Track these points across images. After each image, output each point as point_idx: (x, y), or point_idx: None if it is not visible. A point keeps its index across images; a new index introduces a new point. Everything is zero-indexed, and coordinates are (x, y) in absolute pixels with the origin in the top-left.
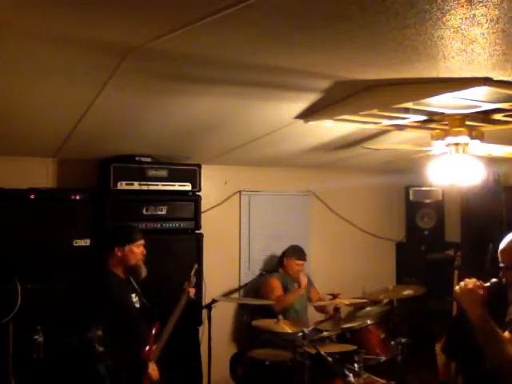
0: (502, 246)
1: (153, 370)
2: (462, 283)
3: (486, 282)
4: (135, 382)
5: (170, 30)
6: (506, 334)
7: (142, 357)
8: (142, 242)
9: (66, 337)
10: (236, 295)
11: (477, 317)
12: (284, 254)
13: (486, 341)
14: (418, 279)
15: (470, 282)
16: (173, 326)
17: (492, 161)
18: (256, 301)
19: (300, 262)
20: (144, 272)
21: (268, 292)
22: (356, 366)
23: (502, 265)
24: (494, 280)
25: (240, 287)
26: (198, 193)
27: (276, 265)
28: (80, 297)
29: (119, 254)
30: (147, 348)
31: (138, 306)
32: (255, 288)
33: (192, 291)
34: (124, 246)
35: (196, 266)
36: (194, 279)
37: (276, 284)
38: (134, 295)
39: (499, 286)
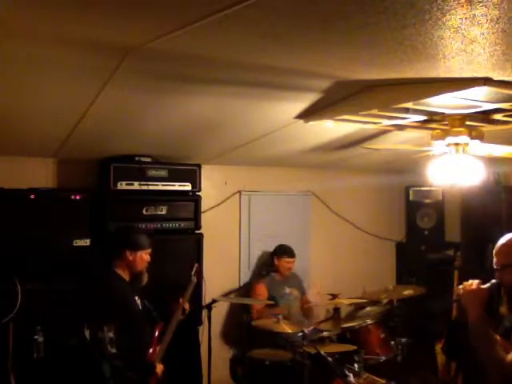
0: (496, 248)
1: (160, 369)
2: (465, 283)
3: (486, 282)
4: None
5: (170, 29)
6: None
7: (148, 358)
8: (150, 250)
9: (70, 337)
10: (236, 295)
11: (475, 317)
12: (274, 254)
13: (480, 342)
14: (418, 279)
15: (474, 283)
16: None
17: (492, 161)
18: (256, 301)
19: (290, 259)
20: (146, 279)
21: (253, 297)
22: (356, 366)
23: (497, 267)
24: (494, 281)
25: (240, 287)
26: (197, 193)
27: (269, 266)
28: (88, 297)
29: (130, 258)
30: (151, 350)
31: (140, 307)
32: (247, 289)
33: (187, 306)
34: (136, 252)
35: (196, 265)
36: (194, 279)
37: (261, 291)
38: (136, 297)
39: (499, 287)
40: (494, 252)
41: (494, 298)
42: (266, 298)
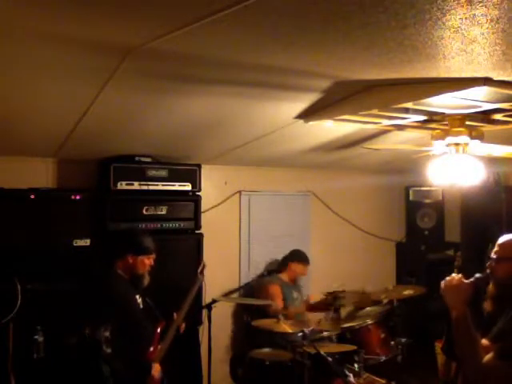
0: (502, 239)
1: (156, 370)
2: (447, 278)
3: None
4: (139, 383)
5: (170, 29)
6: (484, 340)
7: (147, 358)
8: (154, 255)
9: (70, 336)
10: (236, 295)
11: (458, 314)
12: (291, 258)
13: (461, 340)
14: (418, 279)
15: (456, 278)
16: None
17: (492, 161)
18: (256, 301)
19: (307, 266)
20: (147, 281)
21: (267, 298)
22: (356, 366)
23: (494, 256)
24: (478, 275)
25: (240, 287)
26: (197, 193)
27: (278, 267)
28: (88, 297)
29: (131, 261)
30: (152, 349)
31: (141, 307)
32: (254, 289)
33: (182, 326)
34: (137, 256)
35: (203, 262)
36: (201, 277)
37: (277, 291)
38: (137, 296)
39: (485, 281)
40: (498, 243)
41: (481, 292)
42: (282, 298)
